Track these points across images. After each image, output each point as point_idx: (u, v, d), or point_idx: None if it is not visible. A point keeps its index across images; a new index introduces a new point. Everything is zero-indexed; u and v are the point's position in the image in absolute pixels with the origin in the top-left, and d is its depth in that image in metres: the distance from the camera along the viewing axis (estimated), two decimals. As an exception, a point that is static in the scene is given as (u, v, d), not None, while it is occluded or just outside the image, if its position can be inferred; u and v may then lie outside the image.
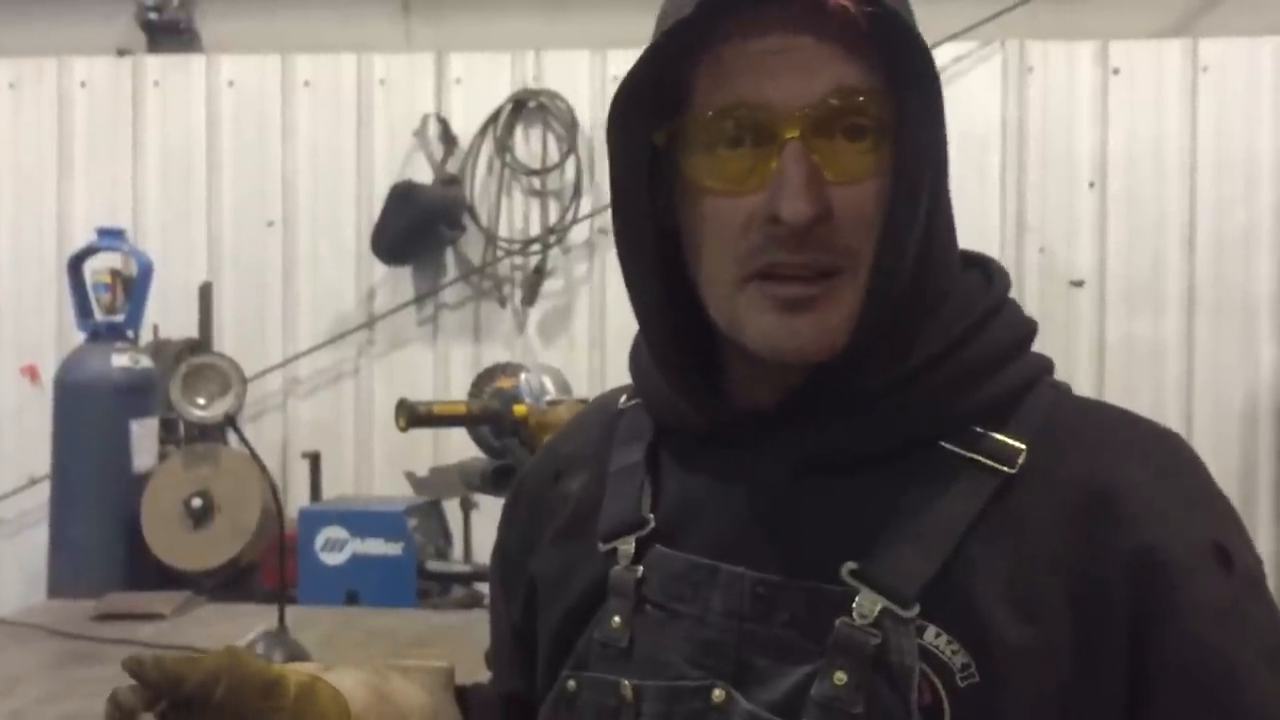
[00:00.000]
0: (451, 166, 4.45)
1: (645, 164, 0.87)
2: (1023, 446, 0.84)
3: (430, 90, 4.52)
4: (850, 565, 0.82)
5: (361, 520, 3.46)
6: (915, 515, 0.83)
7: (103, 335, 3.67)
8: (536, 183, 4.48)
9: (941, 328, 0.87)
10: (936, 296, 0.87)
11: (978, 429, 0.85)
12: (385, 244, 4.39)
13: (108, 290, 3.73)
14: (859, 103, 0.82)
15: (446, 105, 4.50)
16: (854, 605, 0.81)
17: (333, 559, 3.43)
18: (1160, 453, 0.87)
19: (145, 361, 3.69)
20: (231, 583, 3.57)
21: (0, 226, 4.69)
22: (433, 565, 3.49)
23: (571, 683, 0.92)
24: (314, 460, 4.14)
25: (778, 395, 0.88)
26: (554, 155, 4.44)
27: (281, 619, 2.46)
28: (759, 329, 0.84)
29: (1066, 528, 0.82)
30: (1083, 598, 0.80)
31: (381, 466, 4.47)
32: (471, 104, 4.48)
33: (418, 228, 4.36)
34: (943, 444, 0.85)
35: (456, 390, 3.99)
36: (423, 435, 3.86)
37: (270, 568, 3.48)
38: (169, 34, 4.63)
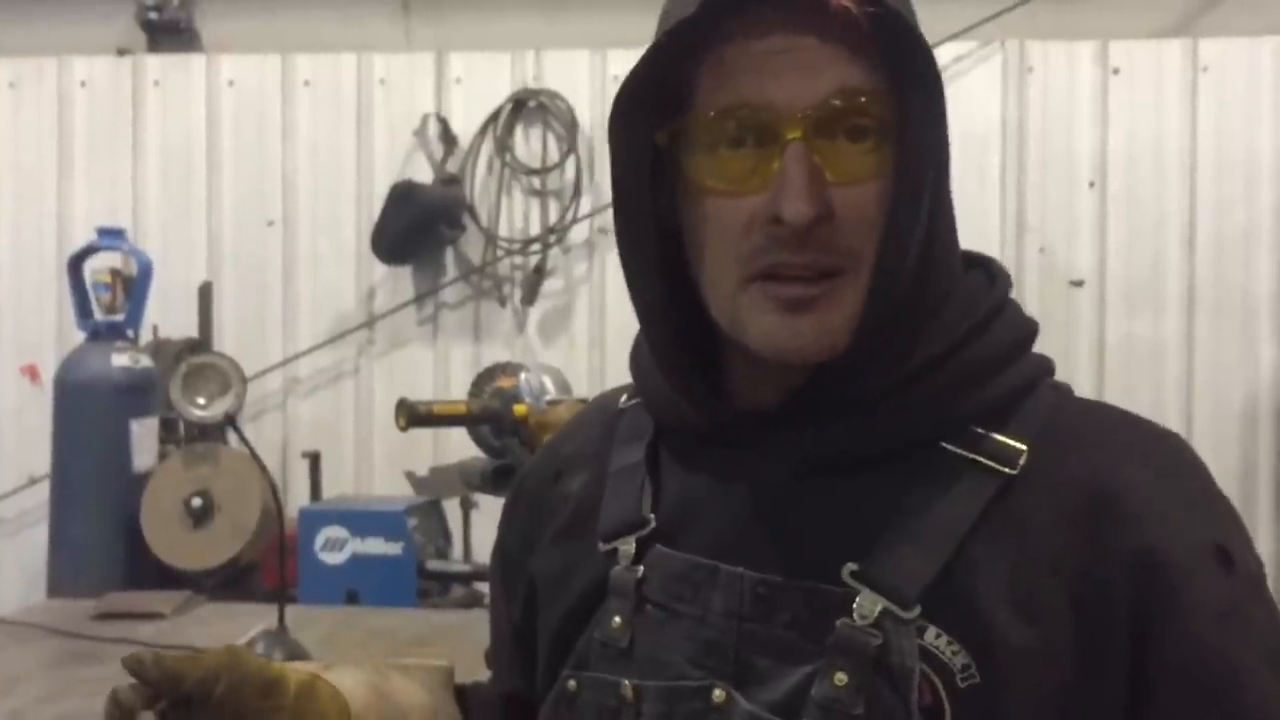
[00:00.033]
0: (451, 166, 4.45)
1: (647, 164, 0.87)
2: (1024, 448, 0.84)
3: (430, 90, 4.51)
4: (851, 566, 0.82)
5: (361, 520, 3.46)
6: (916, 516, 0.83)
7: (103, 335, 3.67)
8: (536, 182, 4.47)
9: (943, 328, 0.87)
10: (938, 297, 0.87)
11: (979, 430, 0.85)
12: (385, 243, 4.39)
13: (108, 290, 3.72)
14: (861, 103, 0.82)
15: (446, 105, 4.50)
16: (854, 606, 0.81)
17: (333, 558, 3.43)
18: (1161, 454, 0.87)
19: (145, 361, 3.69)
20: (231, 582, 3.57)
21: (0, 226, 4.69)
22: (433, 565, 3.48)
23: (572, 682, 0.92)
24: (314, 460, 4.13)
25: (779, 395, 0.88)
26: (554, 155, 4.44)
27: (281, 618, 2.47)
28: (761, 329, 0.84)
29: (1067, 529, 0.82)
30: (1084, 599, 0.80)
31: (381, 466, 4.47)
32: (471, 104, 4.47)
33: (418, 227, 4.36)
34: (944, 445, 0.85)
35: (456, 390, 3.99)
36: (423, 435, 3.86)
37: (270, 567, 3.47)
38: (169, 33, 4.63)
